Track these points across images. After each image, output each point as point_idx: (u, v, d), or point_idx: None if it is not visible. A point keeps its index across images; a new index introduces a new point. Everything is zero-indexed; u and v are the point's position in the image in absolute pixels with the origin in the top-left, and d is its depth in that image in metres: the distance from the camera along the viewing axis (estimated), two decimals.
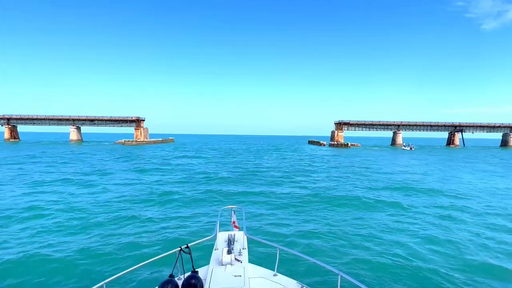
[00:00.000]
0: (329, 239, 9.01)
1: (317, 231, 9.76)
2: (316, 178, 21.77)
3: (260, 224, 10.53)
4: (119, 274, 3.21)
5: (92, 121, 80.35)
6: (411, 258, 7.51)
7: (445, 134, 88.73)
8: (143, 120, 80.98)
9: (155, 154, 44.29)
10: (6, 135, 77.93)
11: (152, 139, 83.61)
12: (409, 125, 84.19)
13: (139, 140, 76.21)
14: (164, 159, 36.32)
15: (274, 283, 3.46)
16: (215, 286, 3.08)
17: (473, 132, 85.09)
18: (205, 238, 4.46)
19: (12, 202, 12.86)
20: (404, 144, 75.81)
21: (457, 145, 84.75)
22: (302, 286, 3.44)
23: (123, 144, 72.10)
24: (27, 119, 78.56)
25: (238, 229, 4.48)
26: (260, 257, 6.95)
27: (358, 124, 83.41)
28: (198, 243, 4.36)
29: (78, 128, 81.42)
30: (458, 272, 6.81)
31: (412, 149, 67.51)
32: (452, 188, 18.24)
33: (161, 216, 11.22)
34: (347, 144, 76.06)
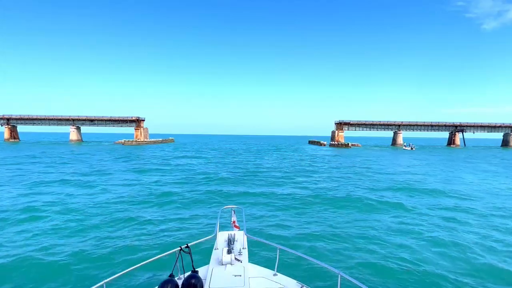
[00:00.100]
0: (332, 241, 8.78)
1: (319, 233, 9.53)
2: (317, 179, 21.54)
3: (261, 226, 10.31)
4: (119, 274, 3.19)
5: (92, 121, 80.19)
6: (418, 262, 7.27)
7: (445, 134, 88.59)
8: (143, 120, 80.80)
9: (154, 154, 44.09)
10: (6, 135, 77.77)
11: (152, 139, 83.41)
12: (410, 125, 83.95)
13: (139, 140, 76.03)
14: (164, 159, 36.11)
15: (274, 282, 3.46)
16: (215, 286, 3.06)
17: (474, 132, 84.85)
18: (205, 238, 4.44)
19: (9, 204, 12.63)
20: (405, 144, 75.55)
21: (458, 145, 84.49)
22: (302, 286, 3.43)
23: (123, 144, 71.92)
24: (27, 119, 78.41)
25: (238, 229, 4.45)
26: (260, 256, 6.86)
27: (358, 124, 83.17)
28: (198, 243, 4.35)
29: (78, 128, 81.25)
30: (468, 278, 6.56)
31: (413, 149, 67.26)
32: (455, 188, 18.00)
33: (159, 218, 10.99)
34: (348, 144, 75.81)
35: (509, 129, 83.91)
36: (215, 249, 3.90)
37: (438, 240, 8.93)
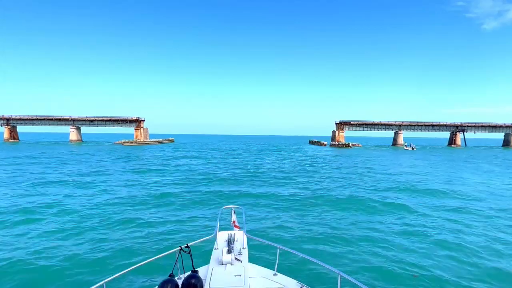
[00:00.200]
0: (335, 244, 8.52)
1: (322, 235, 9.29)
2: (318, 179, 21.29)
3: (262, 227, 10.07)
4: (119, 274, 3.18)
5: (91, 121, 79.94)
6: (425, 267, 6.99)
7: (446, 134, 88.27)
8: (143, 120, 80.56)
9: (154, 154, 43.86)
10: (6, 135, 77.54)
11: (152, 139, 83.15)
12: (411, 125, 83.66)
13: (139, 140, 75.79)
14: (164, 159, 35.88)
15: (274, 282, 3.45)
16: (215, 286, 3.06)
17: (474, 132, 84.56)
18: (205, 238, 4.44)
19: (4, 205, 12.38)
20: (406, 144, 75.27)
21: (459, 145, 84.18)
22: (302, 286, 3.42)
23: (122, 144, 71.70)
24: (26, 119, 78.18)
25: (238, 229, 4.44)
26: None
27: (359, 124, 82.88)
28: (198, 243, 4.35)
29: (78, 129, 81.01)
30: (478, 283, 6.30)
31: (414, 149, 66.96)
32: (458, 189, 17.73)
33: (158, 219, 10.74)
34: (348, 144, 75.51)
35: (510, 129, 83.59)
36: (215, 249, 3.88)
37: (444, 242, 8.67)
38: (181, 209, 12.59)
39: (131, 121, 79.11)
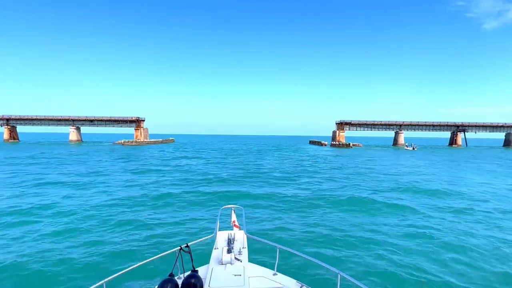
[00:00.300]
0: (338, 246, 8.28)
1: (324, 237, 9.05)
2: (320, 180, 21.05)
3: (263, 229, 9.84)
4: (119, 273, 3.18)
5: (91, 121, 79.73)
6: (434, 272, 6.74)
7: (446, 134, 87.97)
8: (143, 120, 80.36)
9: (154, 154, 43.63)
10: (6, 135, 77.34)
11: (152, 140, 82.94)
12: (411, 125, 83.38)
13: (139, 140, 75.58)
14: (163, 159, 35.66)
15: (274, 282, 3.46)
16: (215, 285, 3.06)
17: (475, 132, 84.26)
18: (205, 238, 4.45)
19: None
20: (407, 144, 75.00)
21: (460, 145, 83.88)
22: (302, 286, 3.42)
23: (122, 144, 71.50)
24: (26, 119, 77.98)
25: (238, 228, 4.43)
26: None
27: (359, 124, 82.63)
28: (198, 243, 4.34)
29: (78, 129, 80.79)
30: None
31: (415, 149, 66.68)
32: (462, 190, 17.48)
33: (157, 221, 10.49)
34: (349, 144, 75.24)
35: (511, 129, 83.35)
36: (215, 248, 3.87)
37: (451, 245, 8.42)
38: (181, 209, 12.36)
39: (131, 121, 78.90)
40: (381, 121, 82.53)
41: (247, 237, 4.20)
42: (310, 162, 34.53)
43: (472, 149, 71.30)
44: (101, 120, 79.63)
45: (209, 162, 33.84)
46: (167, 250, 3.84)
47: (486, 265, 7.18)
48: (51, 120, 78.65)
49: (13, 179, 19.34)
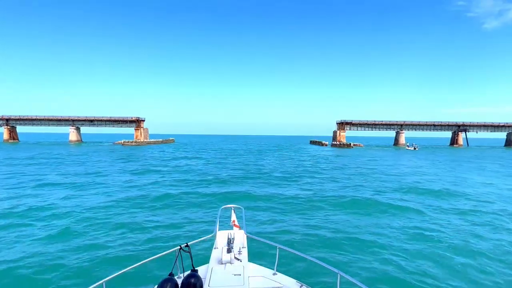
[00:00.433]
0: (343, 251, 7.99)
1: (327, 240, 8.78)
2: (321, 180, 20.76)
3: (264, 231, 9.55)
4: (119, 273, 3.17)
5: (91, 121, 79.55)
6: (446, 280, 6.43)
7: (447, 134, 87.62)
8: (143, 121, 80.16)
9: (154, 155, 43.37)
10: (5, 136, 77.18)
11: (152, 140, 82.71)
12: (412, 125, 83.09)
13: (139, 140, 75.35)
14: (163, 160, 35.39)
15: (273, 282, 3.47)
16: (214, 285, 3.07)
17: (477, 132, 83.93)
18: (205, 237, 4.44)
19: None
20: (408, 144, 74.69)
21: (461, 145, 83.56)
22: (302, 285, 3.43)
23: (122, 144, 71.25)
24: (26, 119, 77.81)
25: (238, 228, 4.42)
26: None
27: (360, 124, 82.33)
28: (198, 242, 4.36)
29: (78, 129, 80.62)
30: None
31: (416, 149, 66.36)
32: (466, 191, 17.16)
33: (155, 222, 10.22)
34: (350, 144, 74.91)
35: None
36: (214, 248, 3.88)
37: (458, 249, 8.13)
38: (180, 210, 12.09)
39: (131, 121, 78.69)
40: (382, 121, 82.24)
41: (247, 237, 4.19)
42: (311, 163, 34.24)
43: (473, 149, 70.96)
44: (101, 120, 79.44)
45: (209, 162, 33.57)
46: (168, 250, 3.76)
47: (497, 271, 6.89)
48: (51, 120, 78.49)
49: (11, 180, 19.07)
